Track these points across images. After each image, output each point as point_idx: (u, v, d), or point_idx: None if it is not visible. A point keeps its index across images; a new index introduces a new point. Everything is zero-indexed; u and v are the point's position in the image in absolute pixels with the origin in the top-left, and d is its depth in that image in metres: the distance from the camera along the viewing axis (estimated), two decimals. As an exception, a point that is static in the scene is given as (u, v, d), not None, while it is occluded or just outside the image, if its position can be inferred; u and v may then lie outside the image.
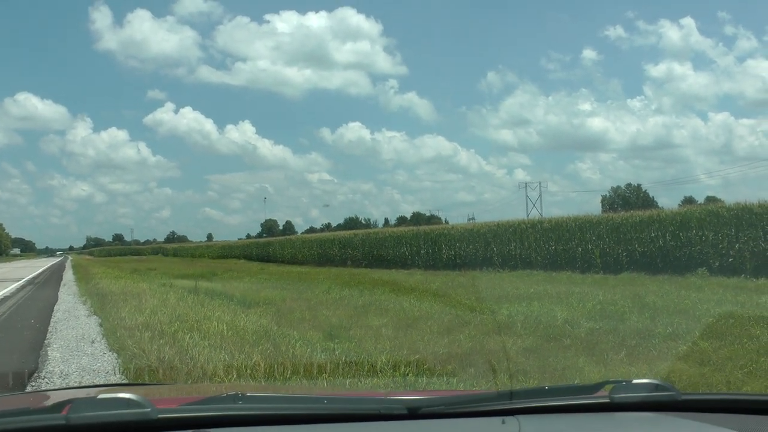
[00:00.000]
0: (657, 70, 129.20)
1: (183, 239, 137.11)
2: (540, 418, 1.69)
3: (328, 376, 6.17)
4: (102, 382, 6.54)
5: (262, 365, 6.52)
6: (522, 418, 1.64)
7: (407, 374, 6.15)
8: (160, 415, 1.49)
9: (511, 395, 1.72)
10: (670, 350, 7.76)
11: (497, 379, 5.92)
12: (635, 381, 1.80)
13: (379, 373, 6.34)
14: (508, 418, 1.63)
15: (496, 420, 1.63)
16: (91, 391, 1.52)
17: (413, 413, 1.65)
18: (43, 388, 6.28)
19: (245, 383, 5.92)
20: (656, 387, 1.76)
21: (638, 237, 22.72)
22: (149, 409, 1.47)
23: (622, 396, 1.73)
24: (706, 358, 7.21)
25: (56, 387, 6.23)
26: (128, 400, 1.49)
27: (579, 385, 1.83)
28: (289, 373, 6.38)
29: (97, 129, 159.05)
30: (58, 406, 1.52)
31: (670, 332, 8.73)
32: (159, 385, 4.33)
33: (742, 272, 18.60)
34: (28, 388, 6.25)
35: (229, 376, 6.23)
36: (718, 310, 10.39)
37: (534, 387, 1.99)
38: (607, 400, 1.73)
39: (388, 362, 6.63)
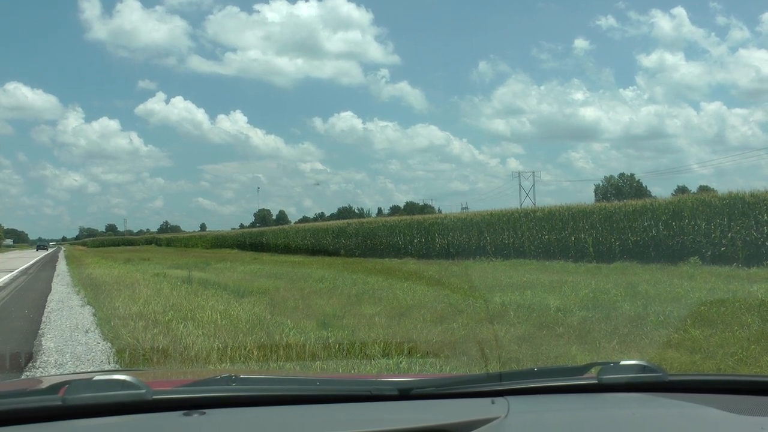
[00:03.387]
0: (649, 60, 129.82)
1: (176, 229, 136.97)
2: (529, 398, 1.71)
3: (322, 363, 6.21)
4: (97, 370, 6.56)
5: (256, 353, 6.55)
6: (511, 398, 1.66)
7: (400, 361, 6.19)
8: (155, 396, 1.50)
9: (501, 377, 1.74)
10: (662, 338, 7.81)
11: (488, 364, 5.96)
12: (623, 362, 1.82)
13: (372, 360, 6.38)
14: (498, 399, 1.65)
15: (485, 401, 1.64)
16: (87, 377, 1.55)
17: (404, 394, 1.67)
18: (38, 376, 6.28)
19: (239, 368, 5.96)
20: (643, 368, 1.79)
21: (631, 226, 22.79)
22: (144, 391, 1.49)
23: (609, 377, 1.76)
24: (698, 346, 7.26)
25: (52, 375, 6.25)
26: (123, 381, 1.51)
27: (567, 366, 1.85)
28: (282, 360, 6.42)
29: (88, 119, 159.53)
30: (55, 388, 1.54)
31: (662, 320, 8.79)
32: (154, 369, 4.35)
33: (734, 261, 18.71)
34: (24, 377, 6.25)
35: (223, 364, 6.26)
36: (710, 299, 10.46)
37: (523, 369, 2.01)
38: (594, 381, 1.76)
39: (382, 350, 6.66)
